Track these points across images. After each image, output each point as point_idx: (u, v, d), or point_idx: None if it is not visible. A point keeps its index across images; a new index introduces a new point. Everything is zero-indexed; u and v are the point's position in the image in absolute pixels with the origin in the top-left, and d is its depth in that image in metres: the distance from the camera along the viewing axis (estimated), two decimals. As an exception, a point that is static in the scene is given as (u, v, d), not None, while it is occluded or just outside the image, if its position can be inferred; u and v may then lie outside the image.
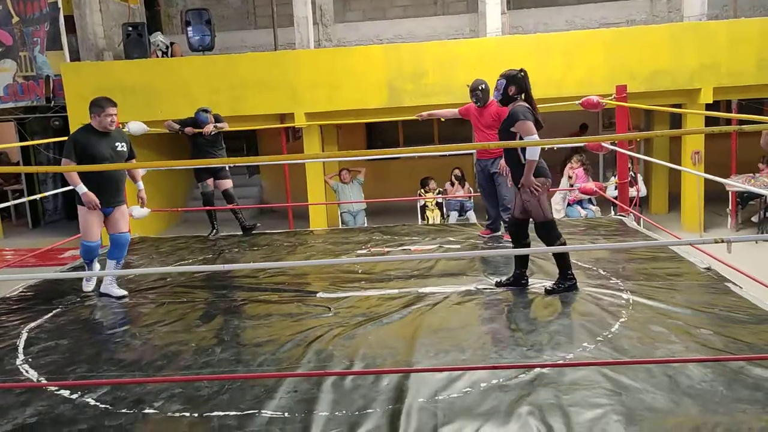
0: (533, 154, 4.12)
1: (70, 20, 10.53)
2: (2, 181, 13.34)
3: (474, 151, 5.81)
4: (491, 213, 5.89)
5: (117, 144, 4.66)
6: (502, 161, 5.47)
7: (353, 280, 4.76)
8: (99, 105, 4.58)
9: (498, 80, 4.32)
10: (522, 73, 4.25)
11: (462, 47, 9.76)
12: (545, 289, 4.25)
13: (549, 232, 4.21)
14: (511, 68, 4.31)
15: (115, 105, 4.63)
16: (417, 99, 9.35)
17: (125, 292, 4.68)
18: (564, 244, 4.25)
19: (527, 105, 4.23)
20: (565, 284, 4.19)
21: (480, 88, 5.58)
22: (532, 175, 4.15)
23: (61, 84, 10.07)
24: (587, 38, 9.54)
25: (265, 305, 4.34)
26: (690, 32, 9.30)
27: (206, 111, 6.67)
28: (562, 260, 4.22)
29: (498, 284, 4.42)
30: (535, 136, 4.12)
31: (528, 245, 4.40)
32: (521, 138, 4.14)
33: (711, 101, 9.24)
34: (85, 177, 4.51)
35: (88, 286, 4.87)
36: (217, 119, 6.74)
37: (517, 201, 4.34)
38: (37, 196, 6.61)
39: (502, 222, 5.81)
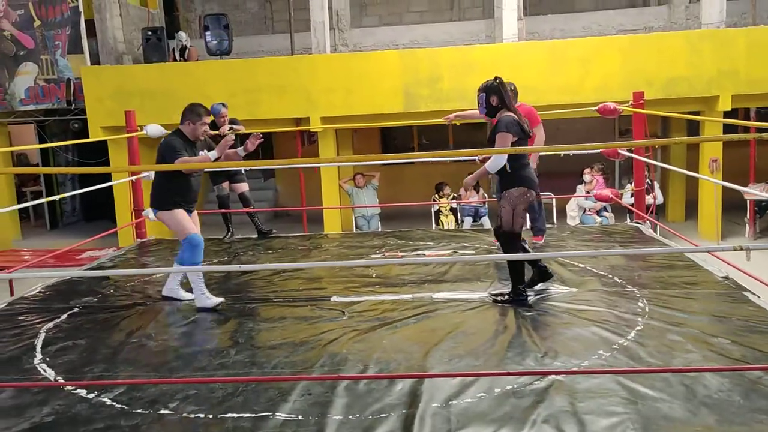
0: (493, 165, 4.10)
1: (91, 24, 10.66)
2: (21, 183, 13.51)
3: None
4: None
5: (201, 153, 4.44)
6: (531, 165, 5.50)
7: (367, 285, 4.77)
8: (197, 113, 4.32)
9: (478, 95, 4.28)
10: (497, 81, 4.23)
11: (478, 53, 9.75)
12: (493, 297, 4.23)
13: (509, 245, 4.19)
14: (486, 79, 4.28)
15: (209, 114, 4.35)
16: (432, 104, 9.36)
17: (191, 296, 4.40)
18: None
19: (514, 116, 4.18)
20: (515, 298, 4.14)
21: (509, 88, 5.55)
22: (515, 185, 4.12)
23: (81, 87, 10.20)
24: (604, 45, 9.50)
25: (280, 308, 4.36)
26: (708, 39, 9.24)
27: (222, 105, 6.74)
28: (516, 274, 4.16)
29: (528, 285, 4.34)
30: (504, 157, 4.07)
31: (526, 250, 4.38)
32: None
33: (729, 109, 9.17)
34: (176, 184, 4.31)
35: (182, 293, 4.48)
36: (234, 122, 6.79)
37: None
38: (56, 197, 6.68)
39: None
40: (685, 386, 2.85)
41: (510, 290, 4.20)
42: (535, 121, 5.54)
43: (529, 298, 4.20)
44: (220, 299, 4.36)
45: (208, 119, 4.37)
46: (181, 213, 4.38)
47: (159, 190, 4.43)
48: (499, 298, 4.21)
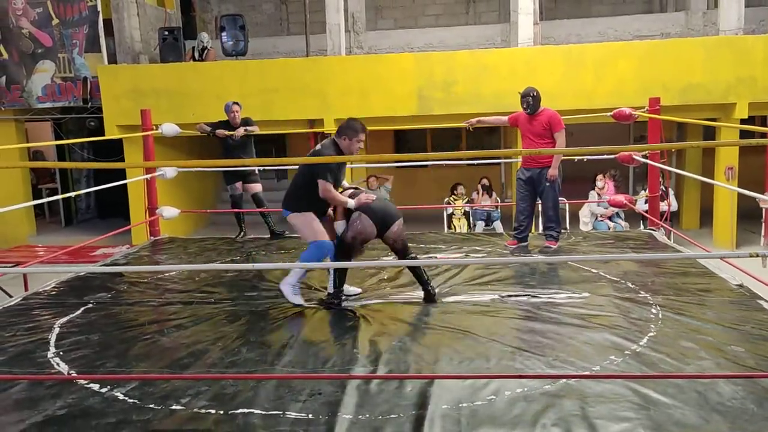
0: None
1: (108, 23, 10.76)
2: (37, 180, 13.65)
3: (505, 159, 5.78)
4: (524, 222, 5.84)
5: (344, 167, 4.49)
6: (551, 170, 5.50)
7: (378, 286, 4.77)
8: (354, 129, 4.26)
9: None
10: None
11: (493, 57, 9.75)
12: (321, 299, 4.35)
13: (341, 254, 4.25)
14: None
15: (366, 130, 4.30)
16: (446, 108, 9.35)
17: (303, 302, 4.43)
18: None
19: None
20: (332, 300, 4.29)
21: (531, 95, 5.55)
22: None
23: (98, 86, 10.30)
24: (619, 50, 9.46)
25: (291, 307, 4.36)
26: (725, 46, 9.17)
27: (236, 103, 6.78)
28: (339, 278, 4.32)
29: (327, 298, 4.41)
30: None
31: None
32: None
33: (746, 116, 9.09)
34: (315, 192, 4.23)
35: (298, 298, 4.44)
36: (248, 123, 6.81)
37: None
38: (71, 194, 6.75)
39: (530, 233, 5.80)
40: (697, 393, 2.83)
41: (333, 292, 4.33)
42: (558, 126, 5.53)
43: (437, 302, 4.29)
44: (302, 301, 4.36)
45: (364, 136, 4.30)
46: (315, 218, 4.32)
47: (296, 193, 4.36)
48: (325, 301, 4.33)
